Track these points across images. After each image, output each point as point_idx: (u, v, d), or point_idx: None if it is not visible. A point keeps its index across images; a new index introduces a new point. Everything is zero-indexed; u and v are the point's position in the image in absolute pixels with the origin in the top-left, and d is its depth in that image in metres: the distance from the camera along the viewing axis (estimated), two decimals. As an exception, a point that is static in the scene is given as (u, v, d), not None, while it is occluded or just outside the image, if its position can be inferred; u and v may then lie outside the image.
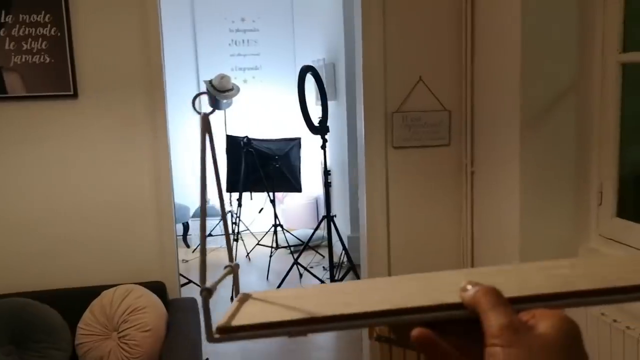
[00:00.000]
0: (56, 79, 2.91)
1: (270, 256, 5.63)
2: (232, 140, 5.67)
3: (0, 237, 2.98)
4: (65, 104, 2.95)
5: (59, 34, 2.89)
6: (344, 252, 5.25)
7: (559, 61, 2.70)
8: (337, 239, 5.13)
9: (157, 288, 3.02)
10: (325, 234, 6.32)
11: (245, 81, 6.74)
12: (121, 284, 2.93)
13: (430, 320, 0.54)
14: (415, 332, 0.53)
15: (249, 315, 0.59)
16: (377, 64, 3.12)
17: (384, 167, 3.20)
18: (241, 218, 5.65)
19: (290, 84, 6.92)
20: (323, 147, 5.03)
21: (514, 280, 0.61)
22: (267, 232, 6.28)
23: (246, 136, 5.43)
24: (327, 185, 5.05)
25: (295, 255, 5.73)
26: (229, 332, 0.56)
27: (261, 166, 5.48)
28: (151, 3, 2.95)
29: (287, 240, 5.77)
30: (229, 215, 6.45)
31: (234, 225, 5.88)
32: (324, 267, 5.68)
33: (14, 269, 3.00)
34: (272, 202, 5.60)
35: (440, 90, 3.19)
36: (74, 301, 2.92)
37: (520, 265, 0.66)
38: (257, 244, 6.04)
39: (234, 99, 6.36)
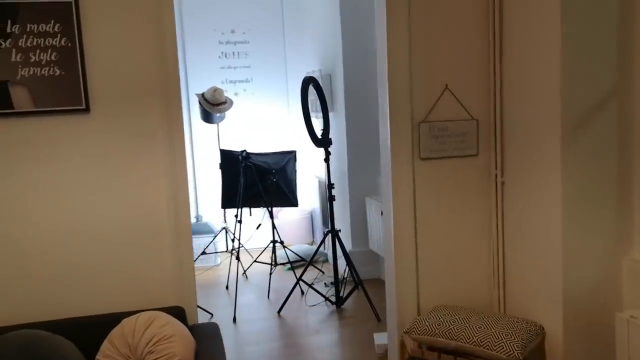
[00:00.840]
0: (67, 93, 2.71)
1: (271, 273, 5.44)
2: (227, 155, 5.49)
3: (8, 262, 2.75)
4: (77, 119, 2.75)
5: (69, 45, 2.70)
6: (347, 267, 5.09)
7: (600, 65, 2.62)
8: (339, 254, 4.99)
9: (177, 314, 2.83)
10: (324, 250, 6.18)
11: (236, 94, 6.57)
12: (140, 311, 2.73)
13: None
14: None
15: None
16: (403, 73, 3.00)
17: (411, 179, 3.08)
18: (241, 235, 5.45)
19: (282, 96, 6.78)
20: (327, 159, 4.89)
21: None
22: (265, 249, 6.10)
23: (244, 150, 5.26)
24: (330, 199, 4.90)
25: (294, 272, 5.57)
26: None
27: (259, 181, 5.31)
28: (167, 10, 2.79)
29: (287, 257, 5.59)
30: (223, 232, 6.25)
31: (232, 243, 5.67)
32: (325, 283, 5.51)
33: (23, 297, 2.77)
34: (271, 217, 5.43)
35: (467, 98, 3.09)
36: (89, 331, 2.71)
37: None
38: (255, 261, 5.85)
39: (227, 113, 6.20)
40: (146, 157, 2.84)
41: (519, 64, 2.90)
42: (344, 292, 5.04)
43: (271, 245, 5.67)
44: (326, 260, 6.02)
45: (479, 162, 3.13)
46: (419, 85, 3.03)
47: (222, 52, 6.57)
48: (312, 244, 6.72)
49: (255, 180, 5.26)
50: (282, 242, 5.56)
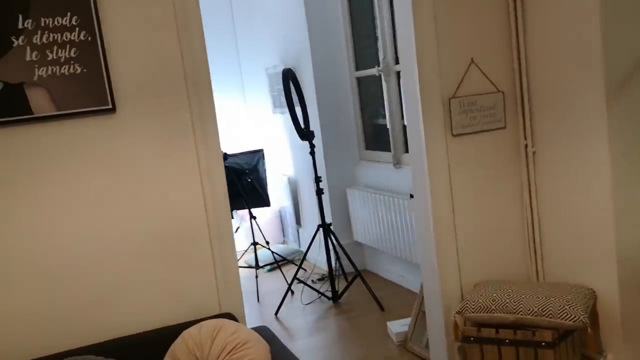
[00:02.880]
0: (90, 92, 2.45)
1: (257, 277, 5.25)
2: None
3: (40, 286, 2.45)
4: (103, 120, 2.49)
5: (89, 39, 2.44)
6: (337, 261, 4.99)
7: (638, 24, 2.65)
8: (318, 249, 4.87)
9: (228, 321, 2.63)
10: (299, 247, 6.05)
11: (191, 95, 6.30)
12: (190, 322, 2.51)
13: None
14: None
15: None
16: (431, 50, 2.94)
17: (446, 157, 3.02)
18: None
19: (238, 92, 6.60)
20: (312, 152, 4.77)
21: None
22: (245, 251, 5.89)
23: (224, 152, 5.03)
24: (319, 192, 4.78)
25: (276, 273, 5.41)
26: None
27: (237, 182, 5.11)
28: (191, -5, 2.58)
29: (274, 258, 5.41)
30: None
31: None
32: (312, 280, 5.39)
33: (63, 321, 2.48)
34: (253, 218, 5.24)
35: (492, 71, 3.07)
36: (142, 349, 2.47)
37: None
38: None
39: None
40: (180, 157, 2.62)
41: (544, 32, 2.90)
42: (338, 287, 4.94)
43: (252, 247, 5.47)
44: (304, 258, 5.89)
45: (507, 134, 3.12)
46: (446, 61, 2.98)
47: (172, 53, 6.27)
48: (284, 242, 6.56)
49: (234, 181, 5.06)
50: (267, 243, 5.37)
